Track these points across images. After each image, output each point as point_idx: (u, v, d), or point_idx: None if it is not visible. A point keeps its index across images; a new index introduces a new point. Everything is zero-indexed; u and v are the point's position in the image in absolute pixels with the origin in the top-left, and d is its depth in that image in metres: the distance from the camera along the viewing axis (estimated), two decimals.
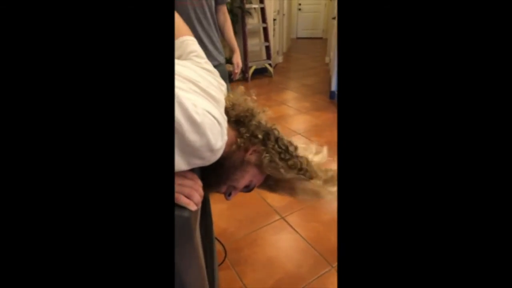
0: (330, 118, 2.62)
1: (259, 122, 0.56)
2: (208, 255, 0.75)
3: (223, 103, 0.52)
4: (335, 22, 3.07)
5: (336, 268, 1.16)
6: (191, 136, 0.38)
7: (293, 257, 1.23)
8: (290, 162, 0.55)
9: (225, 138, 0.45)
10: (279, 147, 0.55)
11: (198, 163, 0.43)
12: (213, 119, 0.42)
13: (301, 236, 1.33)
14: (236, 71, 1.56)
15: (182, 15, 1.29)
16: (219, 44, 1.45)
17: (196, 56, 0.62)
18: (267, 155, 0.53)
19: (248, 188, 0.60)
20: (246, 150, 0.54)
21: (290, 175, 0.55)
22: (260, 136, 0.54)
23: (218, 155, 0.44)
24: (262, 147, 0.54)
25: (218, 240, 1.26)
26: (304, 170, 0.56)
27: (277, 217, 1.45)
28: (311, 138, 2.22)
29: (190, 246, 0.46)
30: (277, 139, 0.55)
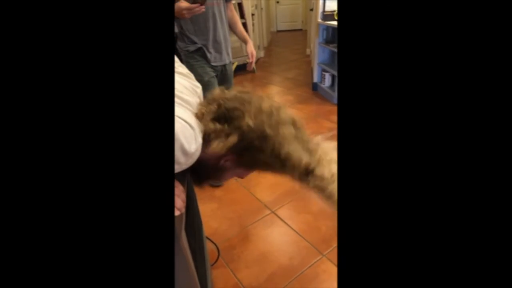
0: (314, 110, 2.65)
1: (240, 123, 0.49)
2: (199, 256, 0.76)
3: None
4: (313, 13, 3.08)
5: (326, 256, 1.20)
6: None
7: (285, 250, 1.25)
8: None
9: (199, 141, 0.45)
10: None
11: (175, 168, 0.44)
12: (184, 123, 0.42)
13: (291, 228, 1.36)
14: (251, 60, 1.55)
15: (208, 15, 1.30)
16: (230, 43, 1.47)
17: None
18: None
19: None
20: (219, 158, 0.52)
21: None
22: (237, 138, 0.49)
23: (194, 158, 0.45)
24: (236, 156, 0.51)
25: (210, 240, 1.27)
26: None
27: (267, 211, 1.47)
28: None
29: (175, 250, 0.47)
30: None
